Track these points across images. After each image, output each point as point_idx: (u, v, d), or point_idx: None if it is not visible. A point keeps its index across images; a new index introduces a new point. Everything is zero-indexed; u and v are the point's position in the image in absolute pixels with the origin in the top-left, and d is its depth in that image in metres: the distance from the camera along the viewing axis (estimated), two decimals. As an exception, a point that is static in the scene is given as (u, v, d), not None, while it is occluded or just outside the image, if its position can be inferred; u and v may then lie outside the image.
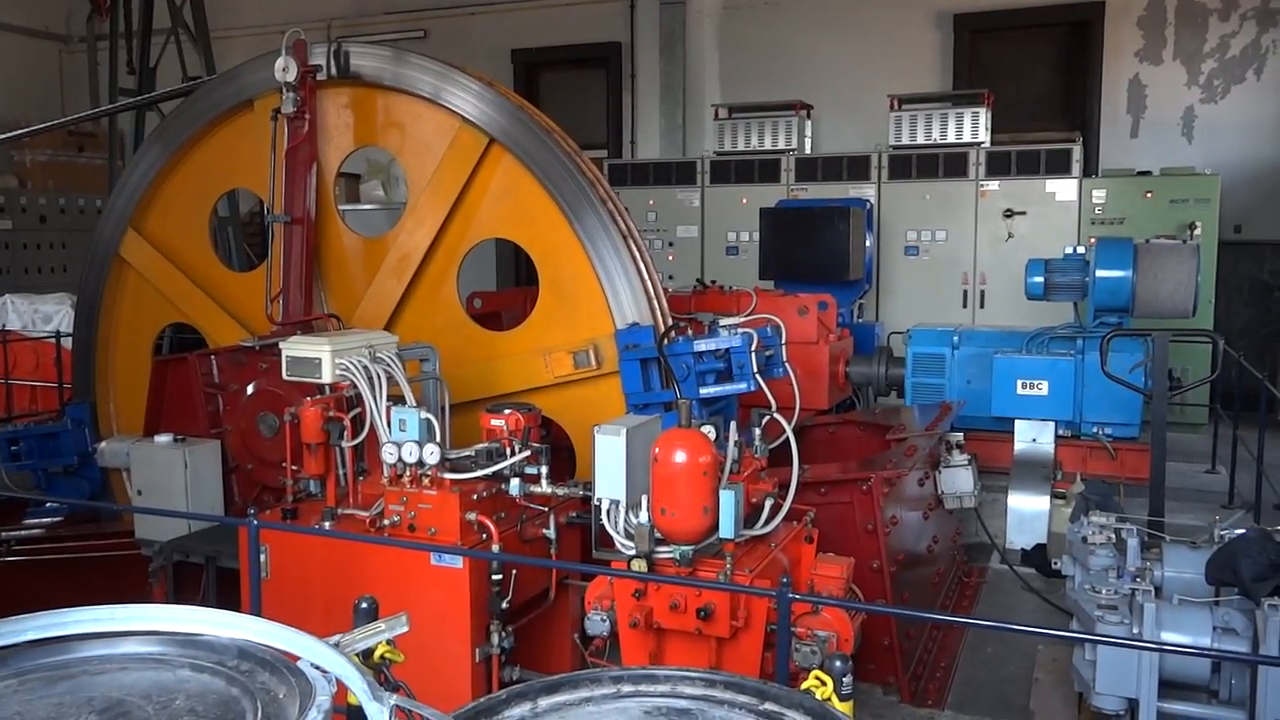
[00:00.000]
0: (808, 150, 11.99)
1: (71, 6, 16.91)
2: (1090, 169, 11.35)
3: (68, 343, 8.37)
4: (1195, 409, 10.00)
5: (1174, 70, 11.87)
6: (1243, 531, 4.45)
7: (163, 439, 6.06)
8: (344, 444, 4.92)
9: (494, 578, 4.53)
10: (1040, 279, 8.28)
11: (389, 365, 5.03)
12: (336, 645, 1.97)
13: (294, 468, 5.08)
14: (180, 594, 5.67)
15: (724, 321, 6.06)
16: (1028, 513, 7.51)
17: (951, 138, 10.97)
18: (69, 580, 6.28)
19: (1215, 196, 10.16)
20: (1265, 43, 11.50)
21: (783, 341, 6.23)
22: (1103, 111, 12.17)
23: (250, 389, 6.14)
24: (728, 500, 4.08)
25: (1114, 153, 11.97)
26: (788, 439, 4.82)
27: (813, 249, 9.65)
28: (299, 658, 1.89)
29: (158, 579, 5.62)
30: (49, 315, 10.89)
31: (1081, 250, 8.38)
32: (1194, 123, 11.79)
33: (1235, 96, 11.63)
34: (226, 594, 5.39)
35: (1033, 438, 7.88)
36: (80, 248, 11.28)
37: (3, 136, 10.92)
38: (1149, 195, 10.31)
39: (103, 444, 6.78)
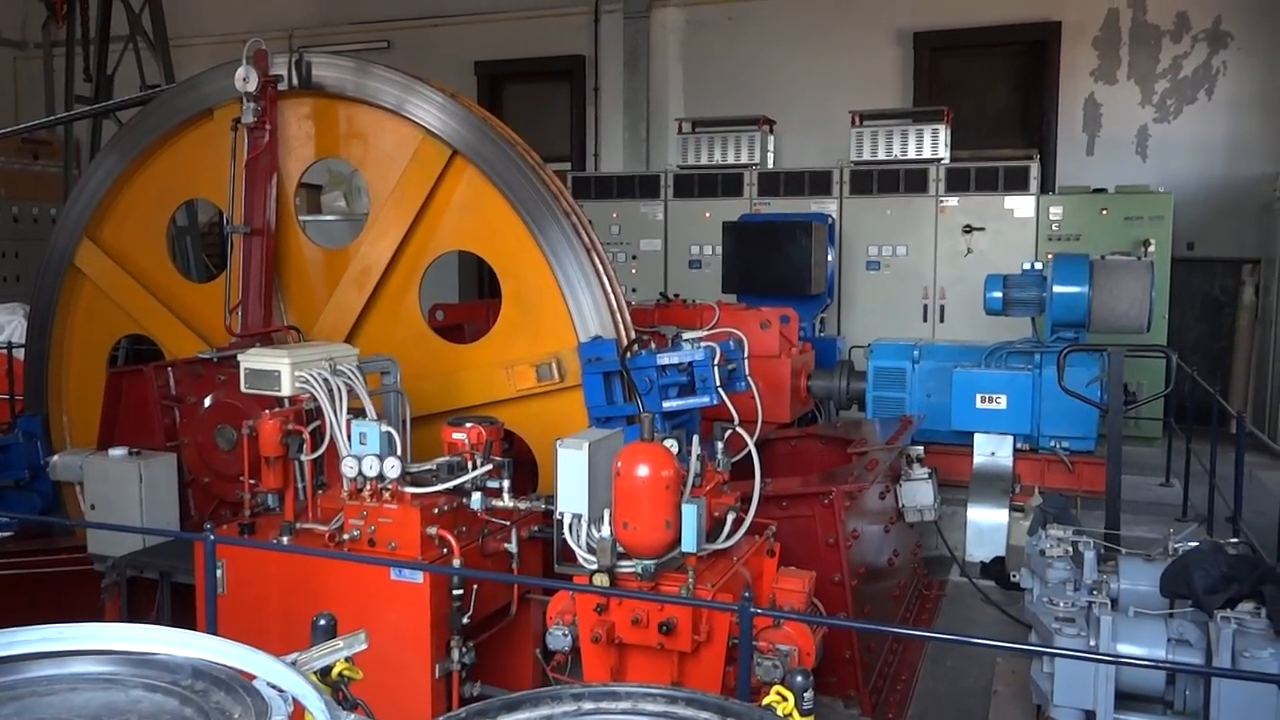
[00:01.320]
0: (770, 165, 12.07)
1: (27, 12, 16.65)
2: (1047, 186, 11.52)
3: (20, 354, 8.21)
4: (1150, 423, 10.16)
5: (1128, 90, 12.10)
6: (1196, 544, 4.53)
7: (117, 452, 5.96)
8: (303, 458, 4.86)
9: (455, 593, 4.49)
10: (999, 294, 8.39)
11: (349, 378, 4.98)
12: (294, 664, 1.94)
13: (252, 482, 5.01)
14: (134, 611, 5.57)
15: (687, 335, 6.08)
16: (987, 526, 7.62)
17: (912, 154, 11.10)
18: (18, 598, 6.15)
19: (1169, 214, 10.36)
20: (1216, 64, 11.76)
21: (745, 355, 6.25)
22: (1059, 129, 12.37)
23: (208, 401, 6.06)
24: (690, 514, 4.08)
25: (1070, 170, 12.17)
26: (750, 452, 4.83)
27: (775, 263, 9.71)
28: (255, 677, 1.87)
29: (110, 596, 5.52)
30: (1, 325, 10.69)
31: (1039, 266, 8.51)
32: (1148, 141, 12.01)
33: (1187, 116, 11.87)
34: (182, 611, 5.30)
35: (991, 451, 7.99)
36: (34, 257, 11.10)
37: (-46, 143, 10.74)
38: (1104, 212, 10.50)
39: (55, 457, 6.66)
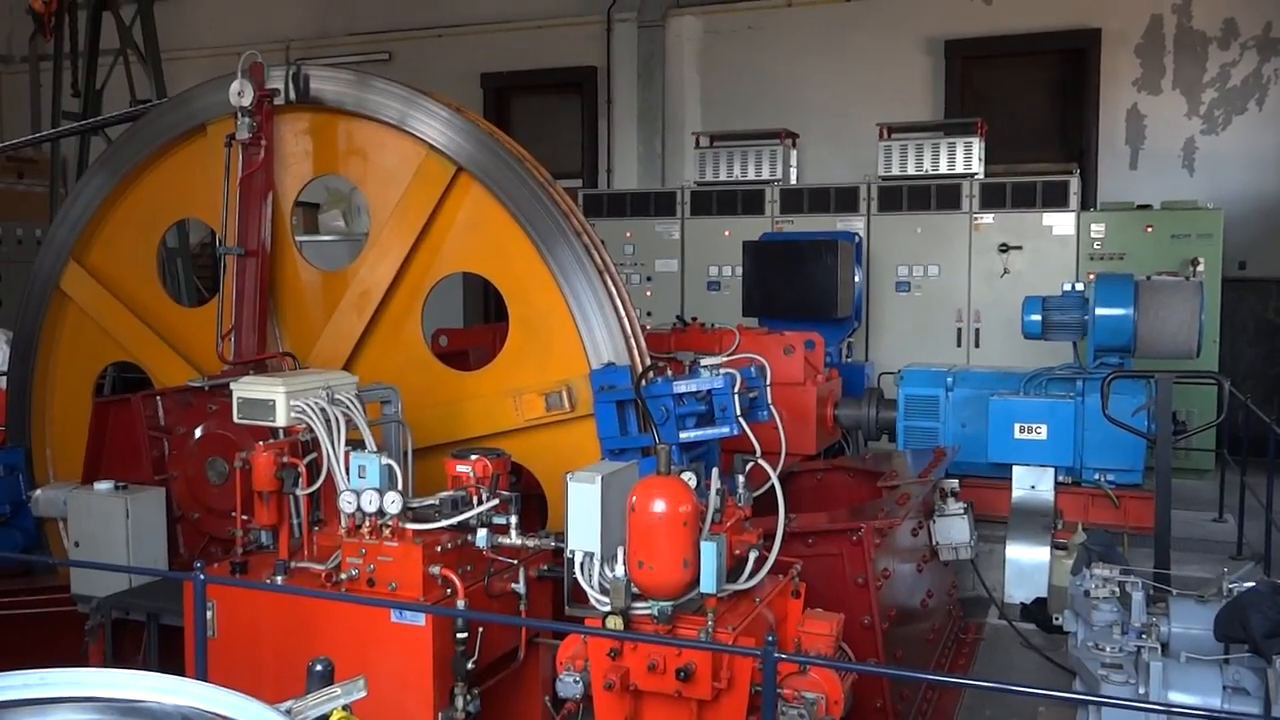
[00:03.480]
0: (793, 181, 12.11)
1: (13, 25, 16.91)
2: (1088, 202, 11.52)
3: (1, 382, 8.28)
4: (1201, 454, 10.08)
5: (1173, 100, 12.11)
6: (1252, 585, 4.48)
7: (103, 486, 5.98)
8: (299, 492, 4.88)
9: (459, 636, 4.48)
10: (1037, 317, 8.36)
11: (348, 407, 5.00)
12: (289, 712, 1.94)
13: (244, 517, 5.02)
14: (119, 655, 5.58)
15: (705, 361, 6.07)
16: (1027, 564, 7.55)
17: (944, 168, 11.12)
18: (-3, 640, 6.17)
19: (1218, 231, 10.33)
20: (1266, 72, 11.76)
21: (767, 383, 6.25)
22: (1100, 142, 12.37)
23: (198, 432, 6.08)
24: (709, 552, 4.06)
25: (1112, 185, 12.16)
26: (773, 486, 4.82)
27: (799, 285, 9.72)
28: (247, 726, 1.87)
29: (95, 638, 5.52)
30: (-18, 353, 10.77)
31: (1080, 287, 8.48)
32: (1195, 154, 12.01)
33: (1237, 128, 11.86)
34: (170, 655, 5.30)
35: (1031, 485, 7.93)
36: (18, 280, 11.20)
37: (-64, 162, 10.88)
38: (1149, 230, 10.47)
39: (38, 492, 6.69)
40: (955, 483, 7.13)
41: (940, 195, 11.03)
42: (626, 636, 4.05)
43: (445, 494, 4.69)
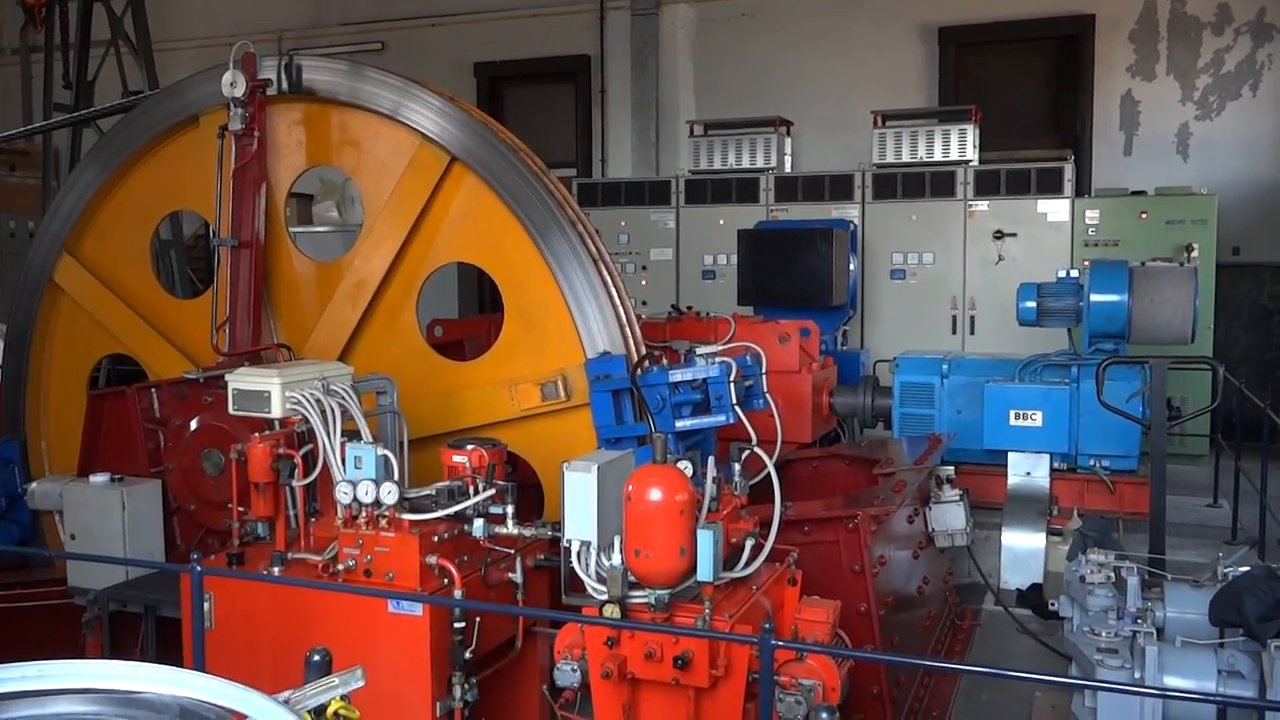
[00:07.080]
0: (788, 169, 12.10)
1: (2, 17, 16.84)
2: (1083, 188, 11.52)
3: (-4, 375, 8.27)
4: (1195, 439, 10.12)
5: (1167, 86, 12.11)
6: (1247, 569, 4.50)
7: (98, 479, 5.98)
8: (295, 483, 4.87)
9: (456, 626, 4.48)
10: (1032, 304, 8.37)
11: (343, 398, 5.00)
12: (287, 702, 1.94)
13: (241, 509, 5.02)
14: (117, 648, 5.58)
15: (701, 350, 6.08)
16: (1023, 551, 7.57)
17: (938, 156, 11.12)
18: (-6, 633, 6.17)
19: (1212, 217, 10.34)
20: (1260, 58, 11.76)
21: (763, 371, 6.25)
22: (1095, 128, 12.38)
23: (194, 424, 6.08)
24: (706, 541, 4.07)
25: (1107, 171, 12.17)
26: (769, 474, 4.82)
27: (794, 273, 9.72)
28: (246, 716, 1.87)
29: (92, 631, 5.53)
30: (-24, 346, 10.74)
31: (1075, 273, 8.49)
32: (1189, 140, 12.01)
33: (1231, 113, 11.87)
34: (167, 647, 5.30)
35: (1027, 471, 7.95)
36: (11, 273, 11.17)
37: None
38: (1144, 216, 10.49)
39: (33, 485, 6.67)
40: (951, 469, 7.14)
41: (935, 182, 11.03)
42: (624, 625, 4.05)
43: (441, 484, 4.70)
